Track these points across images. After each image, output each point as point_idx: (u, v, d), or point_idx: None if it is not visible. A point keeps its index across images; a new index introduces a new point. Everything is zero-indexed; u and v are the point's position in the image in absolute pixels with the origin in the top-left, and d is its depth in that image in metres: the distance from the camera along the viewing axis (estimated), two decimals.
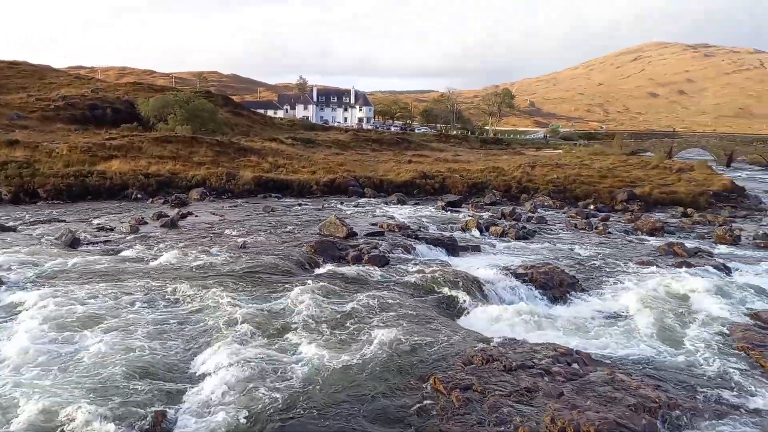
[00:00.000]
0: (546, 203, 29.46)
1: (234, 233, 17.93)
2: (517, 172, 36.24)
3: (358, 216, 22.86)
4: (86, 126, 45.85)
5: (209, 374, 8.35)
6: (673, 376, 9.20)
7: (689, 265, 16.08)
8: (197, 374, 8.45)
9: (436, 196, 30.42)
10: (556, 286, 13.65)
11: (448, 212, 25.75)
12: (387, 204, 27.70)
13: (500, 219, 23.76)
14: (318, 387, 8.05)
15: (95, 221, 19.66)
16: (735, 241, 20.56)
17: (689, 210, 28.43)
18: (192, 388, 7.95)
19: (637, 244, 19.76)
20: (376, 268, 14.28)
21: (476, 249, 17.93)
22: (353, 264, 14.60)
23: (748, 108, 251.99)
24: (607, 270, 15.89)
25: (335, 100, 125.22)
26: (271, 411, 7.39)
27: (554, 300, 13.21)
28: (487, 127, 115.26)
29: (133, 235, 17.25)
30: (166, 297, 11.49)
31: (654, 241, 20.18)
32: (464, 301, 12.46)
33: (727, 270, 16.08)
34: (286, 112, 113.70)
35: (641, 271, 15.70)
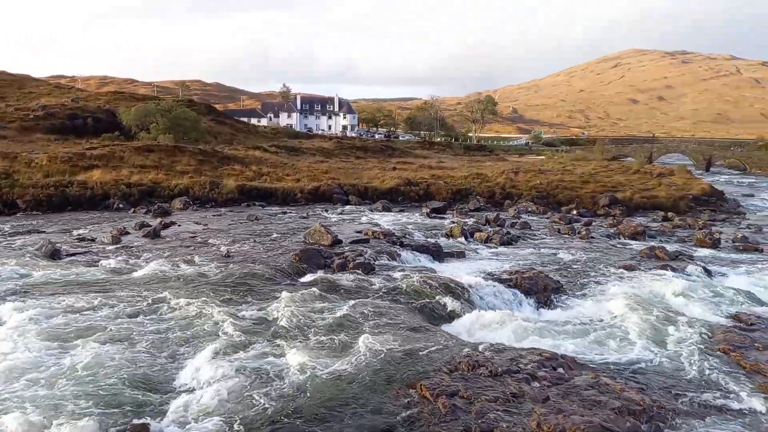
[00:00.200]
0: (529, 209, 29.69)
1: (218, 242, 17.79)
2: (500, 178, 36.49)
3: (343, 223, 22.83)
4: (66, 136, 45.24)
5: (193, 385, 8.26)
6: (657, 379, 9.30)
7: (671, 269, 16.30)
8: (181, 385, 8.35)
9: (421, 203, 30.51)
10: (540, 291, 13.75)
11: (433, 219, 25.83)
12: (372, 211, 27.71)
13: (484, 225, 23.88)
14: (304, 395, 8.00)
15: (76, 232, 19.39)
16: (715, 244, 20.89)
17: (670, 214, 28.83)
18: (176, 399, 7.85)
19: (620, 248, 19.99)
20: (362, 275, 14.26)
21: (461, 255, 18.00)
22: (338, 272, 14.57)
23: (725, 113, 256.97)
24: (591, 274, 16.04)
25: (319, 108, 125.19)
26: (258, 421, 7.32)
27: (539, 305, 13.30)
28: (470, 134, 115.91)
29: (115, 246, 17.04)
30: (149, 308, 11.35)
31: (636, 245, 20.42)
32: (450, 307, 12.49)
33: (707, 273, 16.32)
34: (270, 120, 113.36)
35: (624, 274, 15.87)
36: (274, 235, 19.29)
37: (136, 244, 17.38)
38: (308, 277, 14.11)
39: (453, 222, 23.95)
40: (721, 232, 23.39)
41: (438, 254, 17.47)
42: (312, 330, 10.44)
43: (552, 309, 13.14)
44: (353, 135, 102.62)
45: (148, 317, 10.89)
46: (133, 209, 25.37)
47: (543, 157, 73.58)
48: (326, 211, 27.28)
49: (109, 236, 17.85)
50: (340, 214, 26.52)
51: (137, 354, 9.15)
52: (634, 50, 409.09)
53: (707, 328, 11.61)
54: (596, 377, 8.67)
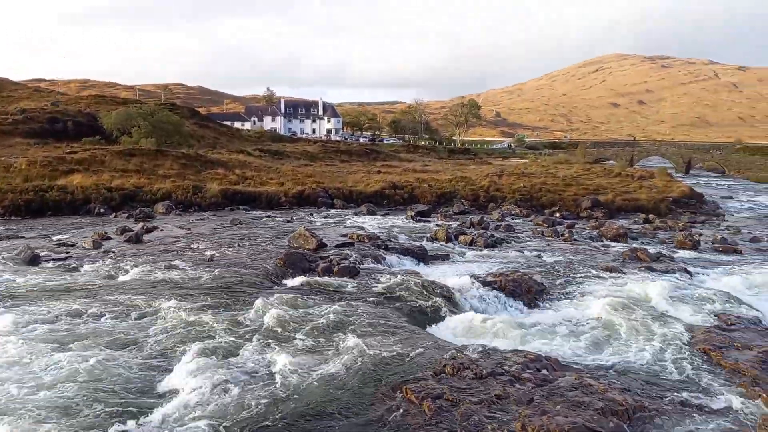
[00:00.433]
0: (513, 212, 29.89)
1: (201, 247, 17.64)
2: (484, 181, 36.69)
3: (327, 227, 22.78)
4: (46, 140, 44.57)
5: (176, 390, 8.18)
6: (639, 379, 9.40)
7: (652, 270, 16.51)
8: (163, 391, 8.25)
9: (406, 206, 30.55)
10: (524, 293, 13.84)
11: (418, 222, 25.88)
12: (357, 215, 27.68)
13: (469, 228, 23.99)
14: (289, 400, 7.96)
15: (56, 237, 19.09)
16: (695, 245, 21.20)
17: (651, 216, 29.21)
18: (158, 405, 7.76)
19: (602, 250, 20.20)
20: (347, 279, 14.24)
21: (446, 258, 18.06)
22: (323, 275, 14.53)
23: (704, 117, 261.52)
24: (574, 276, 16.18)
25: (303, 112, 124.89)
26: (244, 425, 7.27)
27: (523, 307, 13.38)
28: (454, 138, 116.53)
29: (96, 251, 16.81)
30: (131, 313, 11.21)
31: (618, 247, 20.65)
32: (435, 310, 12.52)
33: (688, 274, 16.56)
34: (254, 123, 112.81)
35: (607, 276, 16.04)
36: (258, 240, 19.18)
37: (117, 249, 17.16)
38: (293, 281, 14.05)
39: (438, 225, 24.02)
40: (700, 234, 23.76)
41: (423, 257, 17.51)
42: (297, 334, 10.39)
43: (536, 311, 13.22)
44: (338, 138, 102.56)
45: (131, 323, 10.75)
46: (114, 214, 25.06)
47: (526, 160, 74.11)
48: (311, 214, 27.20)
49: (89, 241, 17.60)
50: (325, 217, 26.47)
51: (120, 360, 9.02)
52: (615, 55, 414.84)
53: (688, 328, 11.77)
54: (580, 378, 8.75)
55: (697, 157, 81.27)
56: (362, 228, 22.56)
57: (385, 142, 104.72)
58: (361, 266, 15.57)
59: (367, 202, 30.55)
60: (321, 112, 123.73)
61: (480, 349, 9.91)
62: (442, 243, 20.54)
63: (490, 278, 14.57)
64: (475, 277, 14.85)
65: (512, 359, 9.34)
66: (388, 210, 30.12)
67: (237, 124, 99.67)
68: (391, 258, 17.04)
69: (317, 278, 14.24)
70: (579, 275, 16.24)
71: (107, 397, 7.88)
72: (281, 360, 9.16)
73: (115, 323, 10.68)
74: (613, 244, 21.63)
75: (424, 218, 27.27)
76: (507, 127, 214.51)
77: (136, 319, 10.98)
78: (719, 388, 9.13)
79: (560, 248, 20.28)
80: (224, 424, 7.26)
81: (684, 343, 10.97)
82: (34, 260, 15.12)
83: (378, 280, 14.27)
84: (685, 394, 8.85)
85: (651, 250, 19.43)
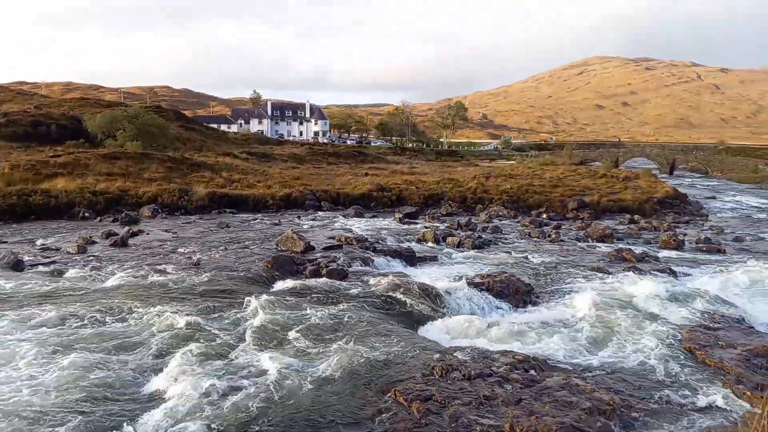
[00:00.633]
0: (500, 213, 30.04)
1: (188, 250, 17.51)
2: (471, 183, 36.84)
3: (315, 230, 22.73)
4: (29, 143, 44.01)
5: (163, 395, 8.10)
6: (626, 378, 9.48)
7: (638, 270, 16.67)
8: (151, 396, 8.17)
9: (394, 208, 30.58)
10: (512, 294, 13.91)
11: (406, 224, 25.91)
12: (344, 217, 27.65)
13: (457, 229, 24.07)
14: (277, 404, 7.92)
15: (40, 242, 18.83)
16: (679, 245, 21.46)
17: (636, 217, 29.53)
18: (145, 410, 7.68)
19: (588, 251, 20.37)
20: (335, 281, 14.21)
21: (434, 260, 18.10)
22: (311, 278, 14.48)
23: (687, 118, 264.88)
24: (561, 277, 16.29)
25: (290, 114, 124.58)
26: (232, 429, 7.22)
27: (511, 308, 13.44)
28: (441, 140, 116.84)
29: (80, 255, 16.61)
30: (118, 318, 11.10)
31: (604, 248, 20.84)
32: (423, 311, 12.53)
33: (673, 274, 16.75)
34: (240, 126, 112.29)
35: (593, 276, 16.17)
36: (246, 243, 19.08)
37: (102, 253, 16.98)
38: (280, 285, 13.99)
39: (425, 227, 24.07)
40: (685, 234, 24.05)
41: (411, 259, 17.53)
42: (284, 337, 10.35)
43: (524, 311, 13.29)
44: (325, 141, 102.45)
45: (116, 328, 10.63)
46: (99, 218, 24.79)
47: (513, 161, 74.62)
48: (298, 217, 27.12)
49: (74, 246, 17.39)
50: (313, 220, 26.40)
51: (104, 365, 8.92)
52: (599, 57, 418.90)
53: (673, 327, 11.91)
54: (567, 378, 8.81)
55: (681, 158, 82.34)
56: (350, 230, 22.53)
57: (372, 144, 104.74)
58: (350, 269, 15.55)
59: (354, 205, 30.53)
60: (308, 115, 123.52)
61: (468, 350, 9.94)
62: (430, 245, 20.58)
63: (478, 279, 14.62)
64: (463, 278, 14.90)
65: (500, 360, 9.38)
66: (376, 212, 30.13)
67: (223, 127, 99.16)
68: (380, 260, 17.04)
69: (305, 281, 14.19)
70: (566, 276, 16.36)
71: (93, 402, 7.79)
72: (269, 364, 9.12)
73: (100, 328, 10.55)
74: (599, 244, 21.82)
75: (412, 220, 27.31)
76: (494, 129, 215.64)
77: (121, 324, 10.86)
78: (704, 386, 9.24)
79: (547, 249, 20.41)
80: (213, 428, 7.21)
81: (670, 342, 11.09)
82: (17, 265, 14.91)
83: (366, 282, 14.26)
84: (671, 393, 8.94)
85: (636, 250, 19.63)
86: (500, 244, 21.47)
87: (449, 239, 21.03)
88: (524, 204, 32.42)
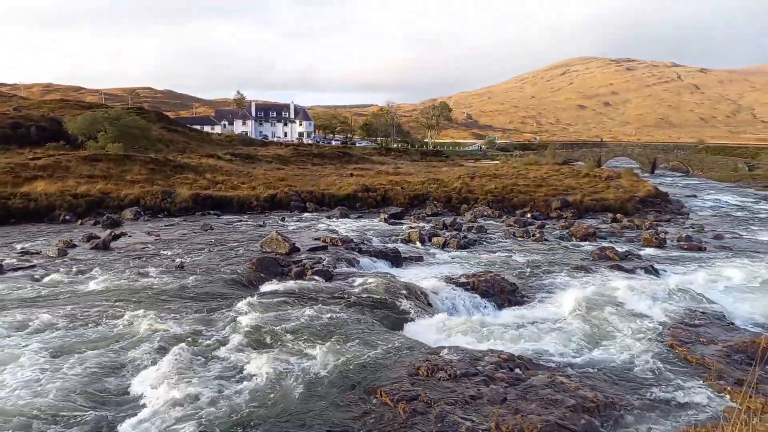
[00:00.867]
0: (485, 213, 30.19)
1: (171, 253, 17.34)
2: (456, 183, 36.97)
3: (300, 231, 22.64)
4: (8, 145, 43.14)
5: (148, 401, 8.01)
6: (610, 376, 9.58)
7: (621, 268, 16.86)
8: (135, 402, 8.08)
9: (379, 209, 30.58)
10: (497, 293, 13.98)
11: (391, 224, 25.92)
12: (330, 218, 27.59)
13: (442, 229, 24.13)
14: (262, 406, 7.87)
15: (19, 246, 18.51)
16: (661, 244, 21.74)
17: (618, 215, 29.84)
18: (128, 415, 7.59)
19: (572, 250, 20.54)
20: (320, 282, 14.17)
21: (419, 260, 18.13)
22: (296, 279, 14.42)
23: (667, 118, 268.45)
24: (545, 275, 16.41)
25: (274, 115, 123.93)
26: None
27: (496, 307, 13.52)
28: (426, 140, 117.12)
29: (61, 259, 16.37)
30: (100, 322, 10.95)
31: (587, 246, 21.03)
32: (409, 311, 12.54)
33: (655, 271, 16.96)
34: (224, 127, 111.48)
35: (577, 275, 16.32)
36: (230, 245, 18.95)
37: (83, 256, 16.74)
38: (265, 286, 13.92)
39: (411, 227, 24.11)
40: (666, 232, 24.36)
41: (396, 259, 17.54)
42: (270, 340, 10.29)
43: (509, 310, 13.36)
44: (310, 142, 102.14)
45: (99, 332, 10.49)
46: (80, 221, 24.46)
47: (497, 161, 74.98)
48: (283, 218, 26.99)
49: (54, 249, 17.14)
50: (298, 221, 26.31)
51: (88, 369, 8.80)
52: (581, 58, 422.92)
53: (656, 324, 12.05)
54: (552, 376, 8.87)
55: (662, 158, 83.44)
56: (335, 231, 22.49)
57: (357, 144, 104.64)
58: (335, 270, 15.51)
59: (340, 205, 30.48)
60: (293, 116, 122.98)
61: (454, 349, 9.97)
62: (415, 245, 20.62)
63: (463, 279, 14.68)
64: (448, 278, 14.95)
65: (486, 359, 9.42)
66: (362, 213, 30.10)
67: (207, 128, 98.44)
68: (365, 261, 17.03)
69: (290, 282, 14.13)
70: (550, 275, 16.48)
71: (77, 408, 7.67)
72: (254, 366, 9.06)
73: (82, 333, 10.40)
74: (582, 243, 22.02)
75: (397, 220, 27.33)
76: (478, 129, 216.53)
77: (104, 328, 10.71)
78: (686, 382, 9.37)
79: (531, 248, 20.55)
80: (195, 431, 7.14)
81: (652, 339, 11.23)
82: None
83: (352, 283, 14.24)
84: (653, 389, 9.05)
85: (619, 248, 19.85)
86: (485, 243, 21.57)
87: (435, 239, 21.08)
88: (509, 204, 32.61)
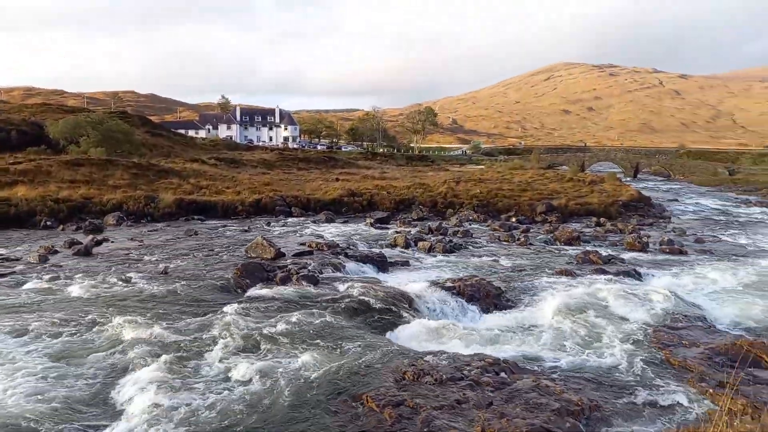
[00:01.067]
0: (471, 217, 30.30)
1: (154, 259, 17.16)
2: (442, 187, 37.09)
3: (286, 236, 22.54)
4: None
5: (131, 409, 7.90)
6: (594, 379, 9.65)
7: (604, 272, 17.02)
8: (118, 410, 7.97)
9: (365, 214, 30.54)
10: (483, 297, 14.02)
11: (377, 229, 25.91)
12: (315, 223, 27.51)
13: (427, 234, 24.17)
14: (247, 413, 7.81)
15: None
16: (643, 247, 21.99)
17: (602, 219, 30.14)
18: (112, 424, 7.48)
19: (556, 254, 20.70)
20: (306, 288, 14.11)
21: (405, 264, 18.13)
22: (282, 285, 14.34)
23: (649, 123, 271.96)
24: (530, 279, 16.50)
25: (260, 120, 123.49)
26: None
27: (482, 311, 13.55)
28: (412, 145, 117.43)
29: (42, 265, 16.12)
30: (82, 329, 10.79)
31: (571, 250, 21.21)
32: (395, 316, 12.53)
33: (638, 275, 17.14)
34: (209, 132, 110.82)
35: (561, 279, 16.43)
36: (215, 250, 18.80)
37: (65, 262, 16.51)
38: (250, 292, 13.82)
39: (397, 232, 24.12)
40: (648, 236, 24.65)
41: (382, 264, 17.53)
42: (255, 346, 10.22)
43: (494, 315, 13.41)
44: (295, 146, 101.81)
45: (81, 339, 10.34)
46: (62, 226, 24.11)
47: (482, 166, 75.44)
48: (268, 223, 26.86)
49: (35, 255, 16.87)
50: (283, 226, 26.19)
51: (71, 378, 8.66)
52: (564, 63, 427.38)
53: (639, 327, 12.18)
54: (537, 380, 8.91)
55: (644, 162, 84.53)
56: (321, 236, 22.43)
57: (343, 149, 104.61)
58: (321, 275, 15.46)
59: (325, 210, 30.40)
60: (278, 120, 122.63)
61: (440, 354, 9.98)
62: (401, 249, 20.63)
63: (449, 283, 14.71)
64: (434, 282, 14.96)
65: (471, 363, 9.44)
66: (347, 217, 30.05)
67: (191, 133, 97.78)
68: (351, 265, 16.99)
69: (276, 288, 14.05)
70: (535, 279, 16.58)
71: (57, 417, 7.54)
72: (239, 372, 8.99)
73: (63, 340, 10.24)
74: (566, 247, 22.20)
75: (383, 225, 27.33)
76: (463, 134, 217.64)
77: (86, 335, 10.56)
78: (669, 385, 9.47)
79: (516, 252, 20.67)
80: None
81: (635, 342, 11.34)
82: None
83: (337, 288, 14.21)
84: (637, 392, 9.14)
85: (603, 252, 20.04)
86: (471, 248, 21.65)
87: (420, 244, 21.11)
88: (494, 208, 32.77)
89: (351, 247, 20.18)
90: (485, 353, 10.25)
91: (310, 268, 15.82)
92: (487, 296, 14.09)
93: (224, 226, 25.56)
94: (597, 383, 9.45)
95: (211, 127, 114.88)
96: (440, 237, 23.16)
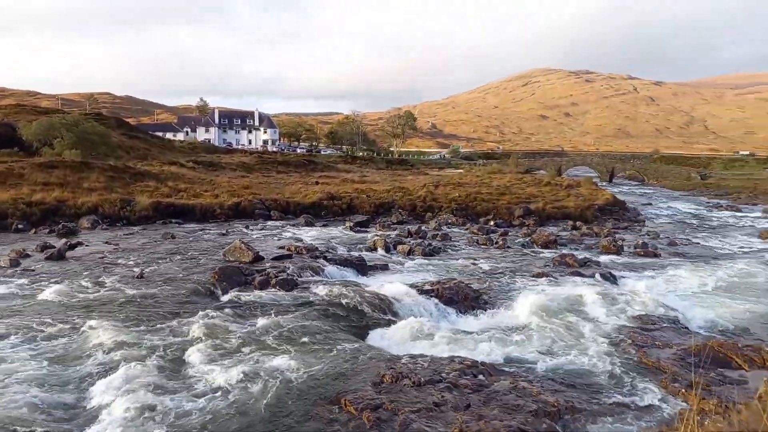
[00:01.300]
0: (450, 221, 30.48)
1: (130, 263, 16.92)
2: (421, 191, 37.25)
3: (264, 239, 22.40)
4: None
5: (105, 415, 7.77)
6: (570, 380, 9.78)
7: (580, 275, 17.28)
8: (92, 416, 7.82)
9: (344, 217, 30.51)
10: (461, 300, 14.12)
11: (357, 232, 25.90)
12: (295, 226, 27.39)
13: (407, 237, 24.25)
14: (224, 419, 7.74)
15: None
16: (618, 250, 22.36)
17: (578, 223, 30.57)
18: (85, 430, 7.36)
19: (534, 257, 20.93)
20: (284, 291, 14.04)
21: (385, 268, 18.16)
22: (260, 289, 14.25)
23: (624, 128, 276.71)
24: (508, 282, 16.67)
25: (239, 123, 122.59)
26: None
27: (460, 314, 13.64)
28: (392, 149, 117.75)
29: (13, 269, 15.77)
30: (54, 334, 10.58)
31: (548, 254, 21.46)
32: (373, 319, 12.55)
33: (612, 278, 17.42)
34: (187, 134, 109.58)
35: (538, 282, 16.62)
36: (192, 254, 18.60)
37: (37, 267, 16.17)
38: (228, 296, 13.71)
39: (376, 235, 24.14)
40: (623, 239, 25.07)
41: (362, 268, 17.53)
42: (231, 350, 10.13)
43: (472, 317, 13.51)
44: (275, 149, 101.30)
45: (54, 345, 10.13)
46: (34, 230, 23.62)
47: (461, 170, 75.94)
48: (247, 227, 26.66)
49: (6, 259, 16.50)
50: (262, 229, 26.02)
51: (44, 384, 8.48)
52: (542, 69, 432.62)
53: (614, 329, 12.38)
54: (514, 382, 9.00)
55: (620, 167, 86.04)
56: (300, 239, 22.34)
57: (322, 153, 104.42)
58: (300, 278, 15.40)
59: (305, 214, 30.30)
60: (257, 123, 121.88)
61: (418, 357, 10.02)
62: (380, 253, 20.66)
63: (427, 287, 14.77)
64: (413, 286, 15.01)
65: (450, 366, 9.50)
66: (327, 221, 30.00)
67: (169, 135, 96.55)
68: (330, 269, 16.96)
69: (254, 292, 13.96)
70: (512, 281, 16.75)
71: (31, 423, 7.38)
72: (215, 377, 8.90)
73: (35, 345, 10.03)
74: (543, 250, 22.46)
75: (362, 229, 27.33)
76: (443, 138, 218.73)
77: (59, 340, 10.36)
78: (643, 385, 9.64)
79: (495, 256, 20.85)
80: None
81: (610, 344, 11.52)
82: None
83: (316, 292, 14.16)
84: (612, 393, 9.29)
85: (579, 255, 20.32)
86: (449, 251, 21.77)
87: (400, 247, 21.17)
88: (472, 212, 33.02)
89: (330, 250, 20.14)
90: (463, 356, 10.32)
91: (289, 271, 15.75)
92: (466, 299, 14.19)
93: (202, 229, 25.30)
94: (573, 384, 9.58)
95: (189, 130, 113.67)
96: (419, 240, 23.25)
